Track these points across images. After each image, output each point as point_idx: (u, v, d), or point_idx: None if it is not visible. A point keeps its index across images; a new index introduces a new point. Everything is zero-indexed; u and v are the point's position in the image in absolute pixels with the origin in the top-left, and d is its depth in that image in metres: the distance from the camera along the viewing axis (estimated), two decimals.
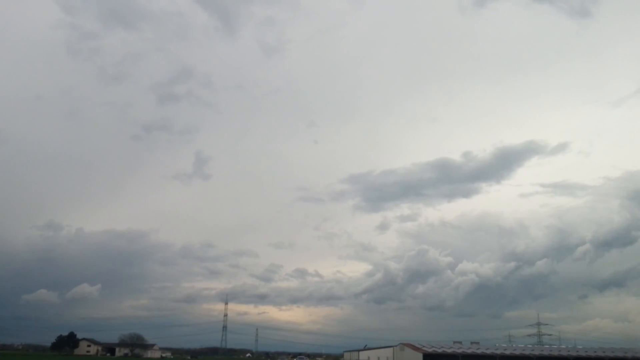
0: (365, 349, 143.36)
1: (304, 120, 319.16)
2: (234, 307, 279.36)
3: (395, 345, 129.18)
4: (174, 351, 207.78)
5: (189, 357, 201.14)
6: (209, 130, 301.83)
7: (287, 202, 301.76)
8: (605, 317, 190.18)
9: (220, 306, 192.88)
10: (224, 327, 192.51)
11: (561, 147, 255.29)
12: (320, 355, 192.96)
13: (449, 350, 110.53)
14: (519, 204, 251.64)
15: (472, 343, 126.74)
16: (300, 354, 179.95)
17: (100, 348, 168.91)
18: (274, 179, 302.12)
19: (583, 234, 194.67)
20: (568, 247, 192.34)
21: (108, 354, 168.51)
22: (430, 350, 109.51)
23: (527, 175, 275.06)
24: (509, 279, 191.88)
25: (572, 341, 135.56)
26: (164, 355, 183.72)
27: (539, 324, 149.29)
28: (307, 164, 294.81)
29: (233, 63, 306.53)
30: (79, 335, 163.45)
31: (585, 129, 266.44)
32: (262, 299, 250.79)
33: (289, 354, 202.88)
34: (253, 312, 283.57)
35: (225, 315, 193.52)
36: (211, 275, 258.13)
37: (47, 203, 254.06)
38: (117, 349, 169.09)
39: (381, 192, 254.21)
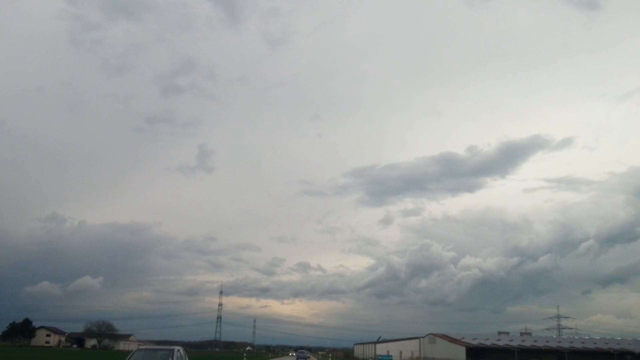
0: (380, 341, 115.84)
1: (308, 113, 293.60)
2: (237, 301, 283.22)
3: (423, 337, 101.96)
4: (172, 344, 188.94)
5: None
6: (213, 123, 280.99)
7: (290, 195, 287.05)
8: (608, 312, 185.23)
9: (222, 300, 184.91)
10: (219, 318, 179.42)
11: (566, 142, 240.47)
12: (322, 349, 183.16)
13: (500, 343, 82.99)
14: (523, 199, 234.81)
15: (522, 334, 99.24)
16: (301, 347, 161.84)
17: (63, 338, 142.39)
18: (277, 173, 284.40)
19: (587, 230, 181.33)
20: (572, 243, 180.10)
21: (75, 346, 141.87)
22: (474, 342, 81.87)
23: (532, 170, 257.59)
24: (511, 274, 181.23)
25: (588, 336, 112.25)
26: (142, 347, 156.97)
27: (558, 317, 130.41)
28: (310, 158, 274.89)
29: (237, 55, 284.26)
30: (38, 323, 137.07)
31: (591, 123, 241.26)
32: (264, 292, 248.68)
33: (290, 347, 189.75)
34: (255, 305, 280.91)
35: (220, 304, 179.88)
36: (213, 268, 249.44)
37: (50, 195, 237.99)
38: (87, 340, 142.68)
39: (385, 186, 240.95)
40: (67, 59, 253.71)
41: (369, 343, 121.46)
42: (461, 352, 79.48)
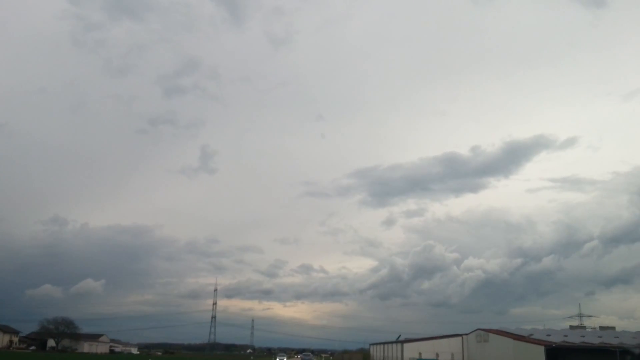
0: (405, 340, 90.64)
1: (311, 114, 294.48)
2: (239, 303, 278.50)
3: (467, 334, 77.07)
4: (171, 347, 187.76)
5: (159, 353, 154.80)
6: (215, 124, 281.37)
7: (293, 197, 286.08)
8: (611, 314, 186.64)
9: (224, 302, 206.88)
10: (213, 318, 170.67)
11: (570, 142, 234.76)
12: (325, 351, 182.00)
13: (593, 341, 57.81)
14: (526, 199, 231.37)
15: (601, 328, 74.44)
16: (304, 350, 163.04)
17: (16, 339, 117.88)
18: (280, 174, 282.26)
19: (591, 230, 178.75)
20: (575, 243, 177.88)
21: (32, 347, 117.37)
22: (557, 341, 56.86)
23: (536, 170, 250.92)
24: (515, 275, 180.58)
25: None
26: (116, 349, 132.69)
27: (580, 316, 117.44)
28: (313, 159, 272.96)
29: (240, 55, 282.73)
30: None
31: (595, 123, 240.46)
32: (266, 294, 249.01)
33: (292, 349, 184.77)
34: (257, 308, 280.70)
35: (214, 304, 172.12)
36: (216, 270, 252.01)
37: (52, 198, 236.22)
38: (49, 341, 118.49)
39: (387, 187, 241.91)
40: (69, 59, 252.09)
41: (390, 343, 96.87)
42: (537, 353, 54.56)
